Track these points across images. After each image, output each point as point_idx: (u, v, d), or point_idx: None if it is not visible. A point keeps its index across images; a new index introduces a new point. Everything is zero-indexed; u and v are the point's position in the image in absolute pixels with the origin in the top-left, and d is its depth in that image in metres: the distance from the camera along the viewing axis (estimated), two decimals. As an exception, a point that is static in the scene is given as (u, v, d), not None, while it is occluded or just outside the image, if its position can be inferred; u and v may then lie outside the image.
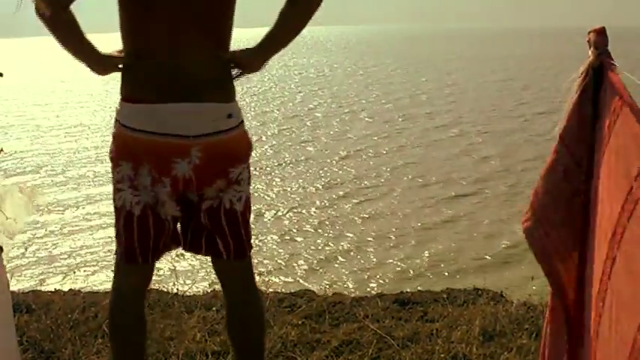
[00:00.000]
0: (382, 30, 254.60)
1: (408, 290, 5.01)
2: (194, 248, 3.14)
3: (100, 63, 3.05)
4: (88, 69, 3.13)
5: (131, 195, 3.01)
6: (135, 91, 2.98)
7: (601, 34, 2.50)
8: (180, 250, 3.17)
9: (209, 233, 3.07)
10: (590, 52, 2.45)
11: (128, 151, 2.99)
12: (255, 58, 3.10)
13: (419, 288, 5.94)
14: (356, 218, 11.22)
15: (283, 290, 4.79)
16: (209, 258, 3.15)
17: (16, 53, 61.36)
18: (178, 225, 3.11)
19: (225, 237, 3.07)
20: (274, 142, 18.68)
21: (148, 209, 3.02)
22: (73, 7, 2.90)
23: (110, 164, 3.02)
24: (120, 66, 3.05)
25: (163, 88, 2.92)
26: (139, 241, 3.04)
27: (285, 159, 16.40)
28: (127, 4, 2.96)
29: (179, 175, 2.96)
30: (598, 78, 2.32)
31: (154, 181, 2.97)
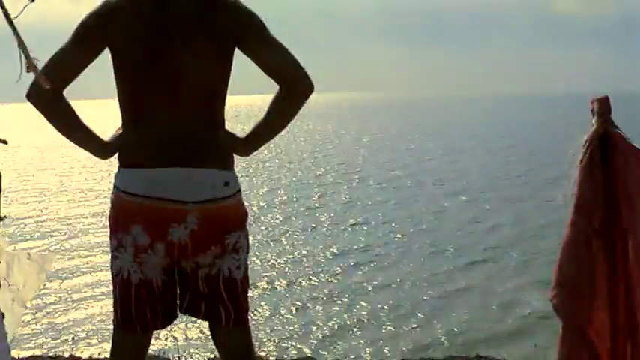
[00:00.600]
0: (384, 96, 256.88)
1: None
2: (192, 311, 3.10)
3: (100, 151, 3.10)
4: (90, 154, 3.16)
5: (127, 262, 2.99)
6: (132, 156, 2.99)
7: (604, 103, 2.51)
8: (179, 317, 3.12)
9: (208, 299, 3.04)
10: (593, 121, 2.49)
11: (125, 217, 2.97)
12: (245, 148, 3.15)
13: (435, 357, 5.78)
14: (368, 286, 11.00)
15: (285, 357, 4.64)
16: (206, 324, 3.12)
17: (18, 118, 61.85)
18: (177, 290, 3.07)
19: (225, 304, 3.04)
20: (284, 209, 18.56)
21: (139, 278, 3.00)
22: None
23: (109, 231, 3.02)
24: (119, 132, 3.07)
25: (160, 154, 2.93)
26: (136, 309, 3.01)
27: (295, 226, 16.28)
28: (126, 74, 2.99)
29: (175, 240, 2.95)
30: (604, 145, 2.44)
31: (148, 245, 2.95)
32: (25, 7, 3.47)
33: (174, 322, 3.08)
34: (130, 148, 3.02)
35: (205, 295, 3.04)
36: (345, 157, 32.68)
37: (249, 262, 3.12)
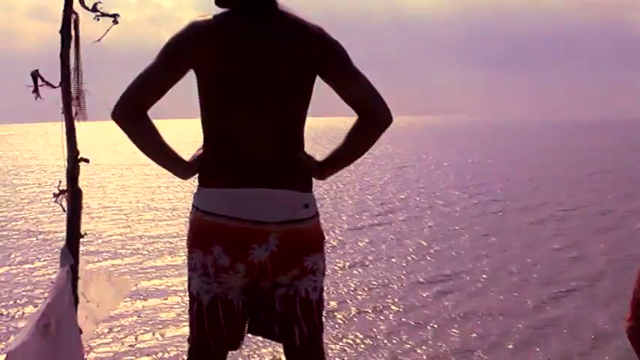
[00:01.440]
0: (464, 120, 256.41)
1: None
2: (266, 332, 3.12)
3: (181, 171, 3.16)
4: (171, 174, 3.21)
5: (201, 283, 3.02)
6: (213, 176, 3.02)
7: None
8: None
9: (283, 320, 3.06)
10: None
11: (203, 237, 2.99)
12: (322, 173, 3.20)
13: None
14: (456, 315, 10.75)
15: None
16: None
17: (101, 135, 63.41)
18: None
19: (300, 325, 3.06)
20: (367, 233, 18.37)
21: (218, 298, 3.02)
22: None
23: (187, 251, 3.11)
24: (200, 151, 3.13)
25: (242, 175, 2.97)
26: (211, 329, 3.04)
27: (380, 250, 16.06)
28: (209, 96, 3.03)
29: (255, 261, 2.98)
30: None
31: (229, 266, 2.98)
32: (107, 30, 3.50)
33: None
34: (212, 168, 3.05)
35: (280, 316, 3.06)
36: (427, 180, 32.60)
37: (325, 285, 3.16)
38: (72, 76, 3.23)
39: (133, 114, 3.01)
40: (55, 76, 3.57)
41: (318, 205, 3.22)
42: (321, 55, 3.05)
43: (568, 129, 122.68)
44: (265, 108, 3.00)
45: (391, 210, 22.64)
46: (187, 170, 3.15)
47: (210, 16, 3.04)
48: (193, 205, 3.08)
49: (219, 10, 3.08)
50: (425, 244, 16.69)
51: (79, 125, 3.63)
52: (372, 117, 3.11)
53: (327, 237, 3.06)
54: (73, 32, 3.43)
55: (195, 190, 3.14)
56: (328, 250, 12.43)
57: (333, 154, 3.21)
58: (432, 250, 15.95)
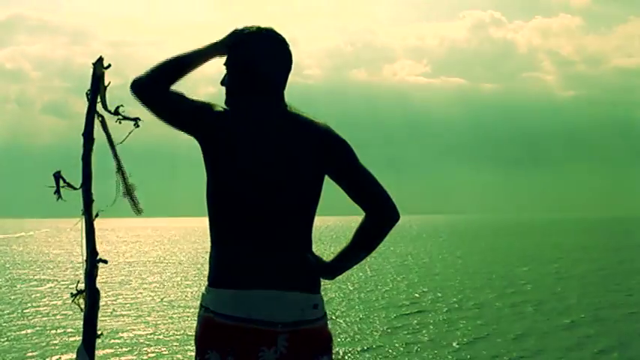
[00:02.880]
0: (474, 219, 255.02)
1: None
2: None
3: (215, 47, 3.13)
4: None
5: None
6: (223, 276, 2.99)
7: None
8: None
9: None
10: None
11: (213, 338, 2.96)
12: (330, 272, 3.16)
13: None
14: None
15: None
16: None
17: (109, 232, 63.37)
18: None
19: None
20: (381, 332, 18.18)
21: None
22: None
23: (196, 349, 3.02)
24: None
25: (252, 275, 2.94)
26: None
27: (395, 349, 15.84)
28: (218, 192, 3.03)
29: None
30: None
31: None
32: (130, 133, 3.55)
33: None
34: (222, 269, 3.03)
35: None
36: (440, 280, 32.24)
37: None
38: (117, 176, 3.24)
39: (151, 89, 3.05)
40: (71, 172, 3.62)
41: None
42: (329, 153, 3.08)
43: (583, 225, 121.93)
44: (274, 208, 3.01)
45: (405, 308, 22.46)
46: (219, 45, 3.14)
47: (223, 108, 3.08)
48: (202, 305, 3.05)
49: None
50: (441, 343, 16.45)
51: (99, 222, 3.66)
52: (380, 214, 3.11)
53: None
54: (102, 134, 3.48)
55: (204, 290, 3.09)
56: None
57: (342, 254, 3.19)
58: (450, 350, 15.73)
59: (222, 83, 3.17)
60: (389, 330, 18.80)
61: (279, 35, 3.16)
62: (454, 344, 16.49)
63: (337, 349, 15.07)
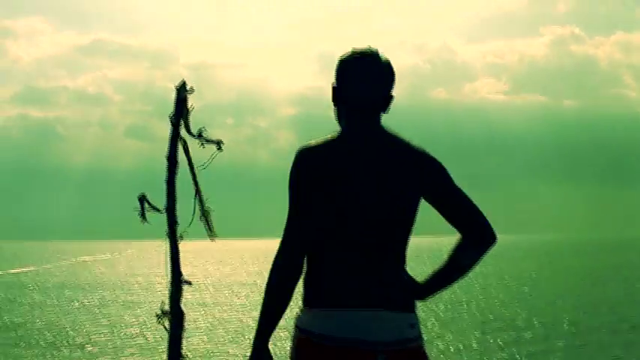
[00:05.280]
0: (557, 238, 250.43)
1: None
2: None
3: (259, 338, 3.03)
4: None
5: None
6: (320, 297, 2.99)
7: None
8: None
9: None
10: None
11: (310, 359, 2.95)
12: (424, 293, 3.13)
13: None
14: None
15: None
16: None
17: (192, 254, 64.08)
18: None
19: None
20: (479, 354, 17.90)
21: None
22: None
23: None
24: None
25: (349, 296, 2.94)
26: None
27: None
28: (318, 217, 3.01)
29: None
30: None
31: None
32: (212, 157, 3.57)
33: None
34: (318, 289, 3.03)
35: None
36: (532, 299, 31.67)
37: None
38: (195, 200, 3.27)
39: (291, 277, 3.00)
40: (155, 195, 3.66)
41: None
42: (426, 177, 3.08)
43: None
44: (373, 229, 3.02)
45: (500, 331, 21.99)
46: (259, 347, 3.04)
47: (316, 142, 3.09)
48: (298, 327, 3.03)
49: (323, 131, 3.15)
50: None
51: (184, 244, 3.68)
52: (477, 237, 3.10)
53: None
54: (184, 157, 3.51)
55: (298, 311, 3.08)
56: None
57: (436, 275, 3.16)
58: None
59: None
60: (485, 350, 18.63)
61: (369, 56, 3.15)
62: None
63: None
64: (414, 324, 3.03)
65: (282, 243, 3.00)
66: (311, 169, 3.03)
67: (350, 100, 3.15)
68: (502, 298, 32.71)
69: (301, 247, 3.01)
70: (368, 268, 3.00)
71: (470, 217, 3.12)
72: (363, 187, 3.02)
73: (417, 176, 3.08)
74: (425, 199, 3.12)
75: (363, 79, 3.13)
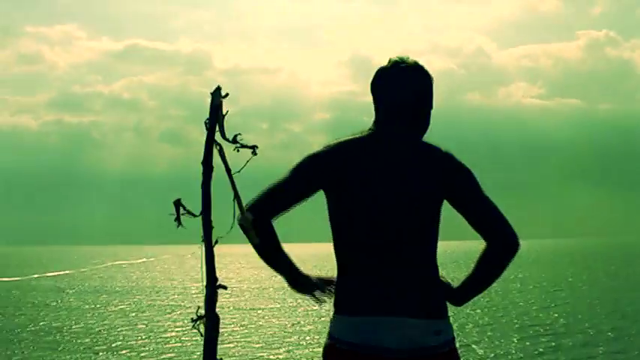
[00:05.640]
0: (594, 243, 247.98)
1: None
2: None
3: (296, 282, 3.19)
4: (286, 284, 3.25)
5: None
6: (347, 303, 3.02)
7: None
8: None
9: None
10: None
11: None
12: (457, 299, 3.16)
13: None
14: None
15: None
16: None
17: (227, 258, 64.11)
18: None
19: None
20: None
21: None
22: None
23: None
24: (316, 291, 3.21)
25: (376, 302, 2.96)
26: None
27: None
28: (341, 220, 3.09)
29: None
30: None
31: None
32: (247, 162, 3.60)
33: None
34: (346, 295, 3.05)
35: None
36: (570, 304, 31.39)
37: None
38: (234, 204, 3.32)
39: (258, 223, 3.11)
40: (190, 200, 3.68)
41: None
42: (451, 180, 3.07)
43: None
44: (397, 231, 3.02)
45: (537, 337, 21.82)
46: (304, 284, 3.21)
47: (343, 139, 3.15)
48: (329, 333, 3.08)
49: (350, 134, 3.19)
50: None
51: (220, 248, 3.70)
52: (499, 243, 3.08)
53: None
54: (219, 162, 3.53)
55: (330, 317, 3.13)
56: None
57: (466, 281, 3.18)
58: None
59: None
60: (525, 355, 18.45)
61: (401, 62, 3.21)
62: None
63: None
64: (441, 330, 3.01)
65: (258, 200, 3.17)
66: (330, 170, 3.09)
67: (380, 104, 3.21)
68: (540, 303, 32.44)
69: (274, 207, 3.14)
70: (390, 275, 3.00)
71: (493, 225, 3.09)
72: (377, 190, 3.02)
73: (441, 181, 3.07)
74: (450, 203, 3.13)
75: (386, 86, 3.20)
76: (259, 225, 3.10)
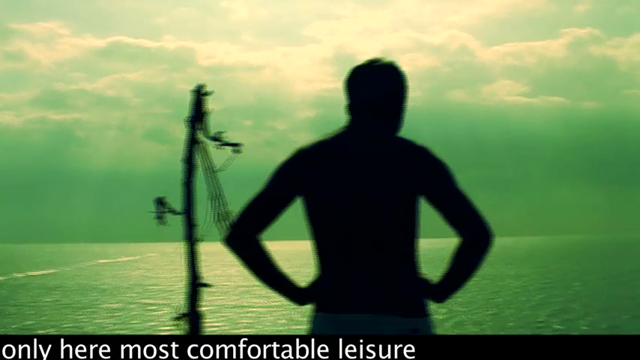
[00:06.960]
0: (579, 240, 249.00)
1: None
2: None
3: (293, 297, 3.19)
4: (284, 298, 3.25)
5: None
6: (323, 300, 3.06)
7: None
8: None
9: None
10: None
11: None
12: (437, 295, 3.12)
13: None
14: None
15: None
16: None
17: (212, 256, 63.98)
18: None
19: None
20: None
21: None
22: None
23: None
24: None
25: (350, 299, 2.99)
26: None
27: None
28: (317, 222, 3.09)
29: None
30: None
31: None
32: (231, 160, 3.57)
33: None
34: (323, 292, 3.09)
35: None
36: (564, 301, 31.51)
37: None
38: (211, 202, 3.31)
39: (242, 243, 3.12)
40: (175, 197, 3.67)
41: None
42: (422, 173, 3.04)
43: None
44: (371, 230, 3.02)
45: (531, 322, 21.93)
46: (299, 296, 3.20)
47: (316, 139, 3.16)
48: (309, 328, 3.10)
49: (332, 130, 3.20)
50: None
51: (207, 246, 3.69)
52: (475, 239, 3.05)
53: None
54: (203, 161, 3.51)
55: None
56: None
57: (443, 277, 3.14)
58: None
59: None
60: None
61: (368, 62, 3.25)
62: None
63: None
64: (417, 329, 2.99)
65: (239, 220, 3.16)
66: (299, 177, 3.10)
67: (351, 102, 3.24)
68: (533, 299, 32.58)
69: (256, 224, 3.13)
70: (365, 273, 3.01)
71: (465, 219, 3.06)
72: (346, 188, 3.03)
73: (413, 175, 3.04)
74: (424, 197, 3.09)
75: (357, 84, 3.22)
76: (245, 245, 3.13)
